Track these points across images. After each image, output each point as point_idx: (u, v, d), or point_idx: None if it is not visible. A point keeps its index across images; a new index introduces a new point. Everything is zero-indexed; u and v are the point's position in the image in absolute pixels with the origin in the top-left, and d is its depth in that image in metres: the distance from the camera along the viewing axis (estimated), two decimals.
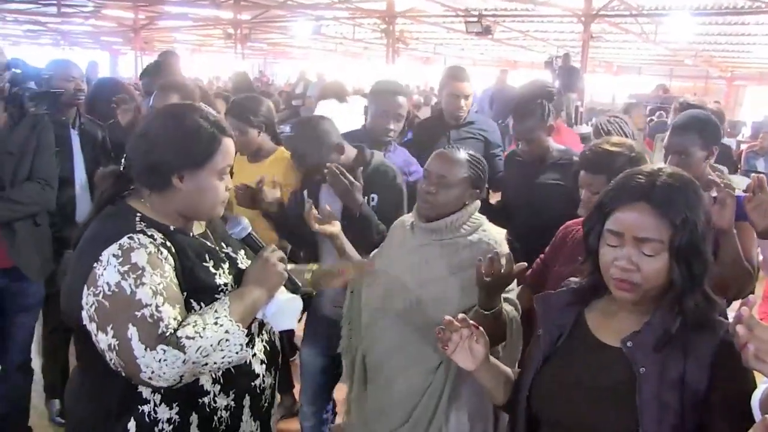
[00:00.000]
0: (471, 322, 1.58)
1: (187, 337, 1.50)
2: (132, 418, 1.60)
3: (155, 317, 1.49)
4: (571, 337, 1.51)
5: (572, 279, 1.60)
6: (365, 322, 2.32)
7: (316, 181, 2.74)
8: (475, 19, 13.35)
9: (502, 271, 1.85)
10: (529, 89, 3.49)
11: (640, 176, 1.41)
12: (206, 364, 1.54)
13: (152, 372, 1.48)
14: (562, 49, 13.38)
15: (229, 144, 1.70)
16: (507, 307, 2.06)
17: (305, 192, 2.78)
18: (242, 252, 1.84)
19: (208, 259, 1.69)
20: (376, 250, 2.43)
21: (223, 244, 1.81)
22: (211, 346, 1.53)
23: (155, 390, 1.59)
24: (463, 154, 2.24)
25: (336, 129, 2.74)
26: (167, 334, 1.49)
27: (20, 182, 2.78)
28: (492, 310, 1.95)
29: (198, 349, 1.51)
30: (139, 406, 1.60)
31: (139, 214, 1.63)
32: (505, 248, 2.15)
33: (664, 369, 1.34)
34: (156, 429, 1.61)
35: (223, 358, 1.57)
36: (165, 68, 4.23)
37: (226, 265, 1.73)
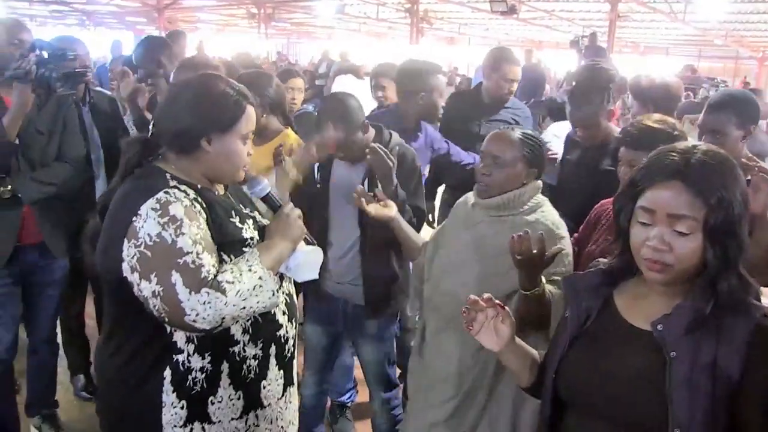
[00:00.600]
0: (497, 302, 1.55)
1: (227, 282, 1.61)
2: (168, 366, 1.70)
3: (197, 263, 1.59)
4: (599, 320, 1.47)
5: (601, 260, 1.57)
6: (426, 295, 2.34)
7: (327, 157, 2.73)
8: None
9: (534, 251, 1.83)
10: (588, 73, 3.30)
11: (674, 153, 1.35)
12: (244, 307, 1.64)
13: (196, 314, 1.58)
14: (588, 29, 13.18)
15: (251, 111, 1.81)
16: (554, 290, 2.00)
17: (316, 166, 2.76)
18: (257, 211, 1.96)
19: (234, 215, 1.80)
20: (438, 227, 2.48)
21: (241, 204, 1.91)
22: (248, 290, 1.64)
23: (189, 340, 1.70)
24: (517, 134, 2.24)
25: (362, 106, 2.74)
26: (209, 278, 1.59)
27: (49, 162, 2.82)
28: (531, 291, 1.92)
29: (237, 292, 1.61)
30: (174, 356, 1.71)
31: (168, 174, 1.73)
32: (563, 232, 2.15)
33: (696, 353, 1.30)
34: (189, 377, 1.71)
35: (257, 302, 1.68)
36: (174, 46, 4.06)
37: (250, 221, 1.84)
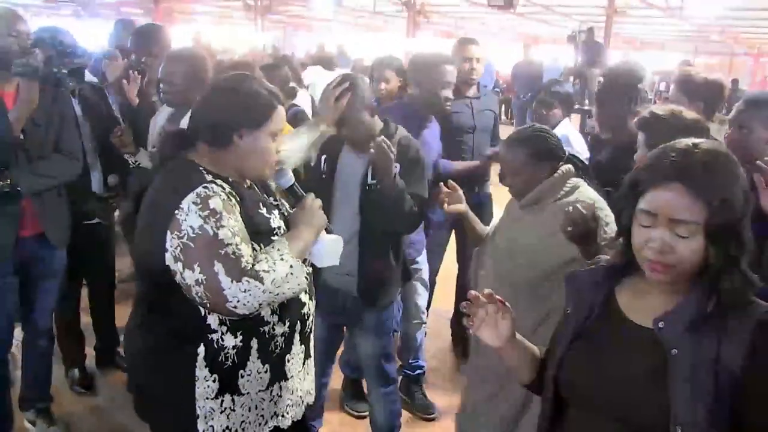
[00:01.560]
0: (498, 298, 1.55)
1: (264, 271, 1.72)
2: (202, 344, 1.83)
3: (237, 254, 1.71)
4: (600, 317, 1.47)
5: (603, 256, 1.56)
6: (478, 288, 2.42)
7: (337, 146, 2.78)
8: None
9: (579, 219, 2.00)
10: (614, 73, 3.28)
11: (674, 153, 1.34)
12: (278, 294, 1.77)
13: (237, 301, 1.70)
14: (585, 24, 13.16)
15: (281, 111, 1.93)
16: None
17: (323, 156, 2.79)
18: (281, 201, 2.09)
19: (262, 206, 1.92)
20: (494, 221, 2.68)
21: (266, 195, 2.03)
22: (281, 278, 1.76)
23: (222, 322, 1.83)
24: (515, 137, 2.39)
25: (369, 90, 2.85)
26: (248, 268, 1.71)
27: (47, 154, 2.82)
28: (591, 260, 1.96)
29: (273, 281, 1.73)
30: (208, 335, 1.83)
31: (202, 168, 1.84)
32: (602, 204, 2.30)
33: (698, 351, 1.30)
34: (222, 353, 1.84)
35: (289, 288, 1.80)
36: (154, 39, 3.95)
37: (276, 212, 1.97)
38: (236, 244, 1.72)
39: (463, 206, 2.57)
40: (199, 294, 1.72)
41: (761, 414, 1.26)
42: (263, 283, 1.71)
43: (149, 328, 1.92)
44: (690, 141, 1.39)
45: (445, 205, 2.54)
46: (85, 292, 3.72)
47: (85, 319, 3.70)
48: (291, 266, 1.79)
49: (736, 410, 1.28)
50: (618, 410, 1.38)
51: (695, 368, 1.29)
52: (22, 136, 2.65)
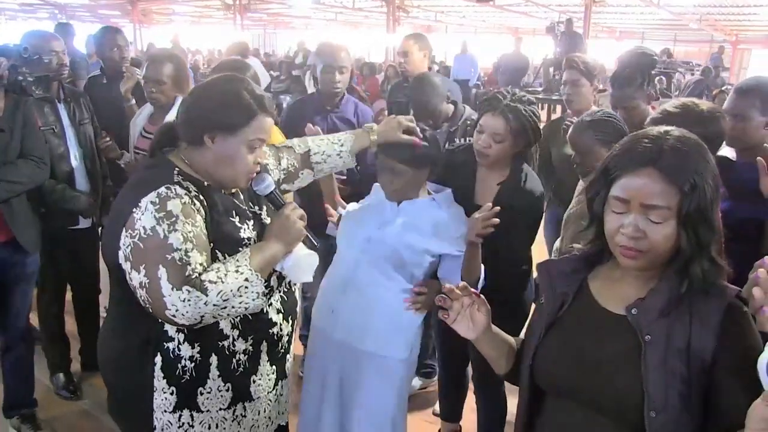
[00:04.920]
0: (472, 290, 1.55)
1: (210, 281, 1.64)
2: (159, 353, 1.77)
3: (183, 261, 1.63)
4: (574, 305, 1.48)
5: (575, 245, 1.57)
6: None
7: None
8: None
9: None
10: (629, 56, 3.44)
11: (646, 140, 1.35)
12: (225, 307, 1.68)
13: (176, 310, 1.62)
14: (564, 15, 13.22)
15: (264, 121, 1.80)
16: None
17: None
18: (265, 209, 1.96)
19: (234, 214, 1.83)
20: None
21: (251, 203, 1.94)
22: (231, 291, 1.67)
23: (179, 330, 1.76)
24: (592, 117, 2.52)
25: (444, 82, 3.33)
26: (193, 276, 1.63)
27: (13, 160, 2.80)
28: None
29: (219, 293, 1.65)
30: (165, 343, 1.77)
31: (177, 168, 1.77)
32: None
33: (670, 336, 1.32)
34: (179, 365, 1.78)
35: (240, 303, 1.71)
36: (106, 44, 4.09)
37: (251, 222, 1.87)
38: (186, 251, 1.64)
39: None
40: (143, 297, 1.66)
41: (732, 397, 1.27)
42: (207, 295, 1.63)
43: (112, 328, 1.89)
44: (661, 128, 1.40)
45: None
46: (69, 298, 3.70)
47: (69, 323, 3.68)
48: (246, 279, 1.70)
49: (707, 393, 1.30)
50: (593, 396, 1.38)
51: (668, 353, 1.30)
52: None
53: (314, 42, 14.05)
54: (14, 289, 2.98)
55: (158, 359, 1.77)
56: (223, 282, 1.66)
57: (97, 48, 4.23)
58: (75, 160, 3.32)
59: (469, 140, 2.70)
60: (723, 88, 9.67)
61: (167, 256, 1.62)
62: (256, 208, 1.94)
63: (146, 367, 1.78)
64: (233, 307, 1.70)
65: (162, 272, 1.62)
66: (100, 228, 3.57)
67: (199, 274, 1.64)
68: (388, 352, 2.32)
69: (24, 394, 3.18)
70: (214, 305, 1.65)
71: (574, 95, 3.39)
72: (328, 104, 3.44)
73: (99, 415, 3.39)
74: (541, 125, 2.64)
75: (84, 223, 3.39)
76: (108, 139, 3.44)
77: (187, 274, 1.62)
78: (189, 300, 1.61)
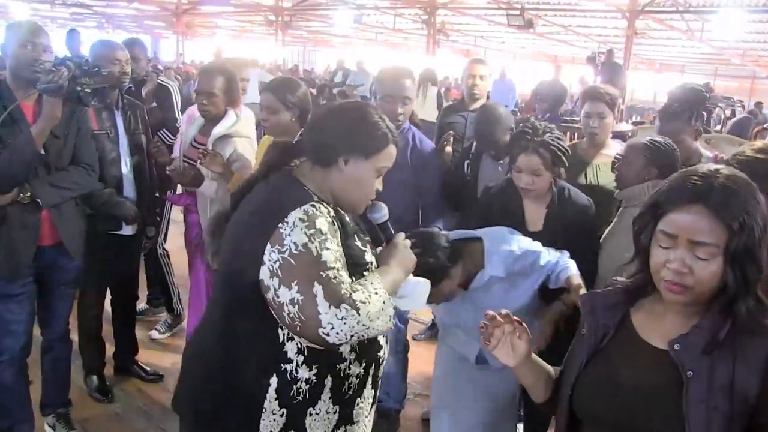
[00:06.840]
0: (514, 318, 1.57)
1: (361, 302, 1.62)
2: (275, 374, 1.72)
3: (338, 279, 1.62)
4: (616, 338, 1.48)
5: (619, 278, 1.58)
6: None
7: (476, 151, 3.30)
8: (518, 12, 13.26)
9: None
10: (680, 91, 3.43)
11: (695, 177, 1.36)
12: (369, 328, 1.64)
13: (331, 328, 1.58)
14: (604, 45, 13.19)
15: (393, 150, 1.85)
16: None
17: (466, 162, 3.22)
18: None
19: (356, 238, 1.83)
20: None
21: (358, 227, 1.93)
22: (375, 312, 1.64)
23: (299, 351, 1.72)
24: (652, 139, 2.68)
25: (508, 114, 3.35)
26: (348, 295, 1.61)
27: (65, 166, 2.88)
28: None
29: (368, 313, 1.62)
30: (283, 365, 1.73)
31: (305, 187, 1.77)
32: None
33: (713, 373, 1.31)
34: (294, 386, 1.74)
35: (379, 325, 1.67)
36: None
37: (368, 246, 1.87)
38: (338, 269, 1.63)
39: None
40: (291, 314, 1.61)
41: None
42: (359, 314, 1.60)
43: (224, 347, 1.79)
44: (711, 166, 1.41)
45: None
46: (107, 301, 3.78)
47: (105, 328, 3.75)
48: (383, 302, 1.68)
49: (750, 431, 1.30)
50: (632, 429, 1.39)
51: (710, 390, 1.30)
52: (43, 151, 2.70)
53: (352, 60, 14.17)
54: (58, 291, 3.04)
55: (273, 380, 1.72)
56: (370, 303, 1.63)
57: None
58: (125, 167, 3.42)
59: (508, 175, 2.78)
60: (766, 125, 9.55)
61: (322, 273, 1.60)
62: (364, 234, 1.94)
63: (259, 390, 1.73)
64: (374, 328, 1.66)
65: (318, 289, 1.59)
66: (143, 237, 3.67)
67: (350, 294, 1.62)
68: None
69: (60, 393, 3.26)
70: (364, 325, 1.62)
71: (600, 128, 3.28)
72: None
73: (131, 418, 3.44)
74: None
75: (128, 230, 3.45)
76: (159, 143, 3.54)
77: (343, 292, 1.60)
78: (346, 318, 1.58)
